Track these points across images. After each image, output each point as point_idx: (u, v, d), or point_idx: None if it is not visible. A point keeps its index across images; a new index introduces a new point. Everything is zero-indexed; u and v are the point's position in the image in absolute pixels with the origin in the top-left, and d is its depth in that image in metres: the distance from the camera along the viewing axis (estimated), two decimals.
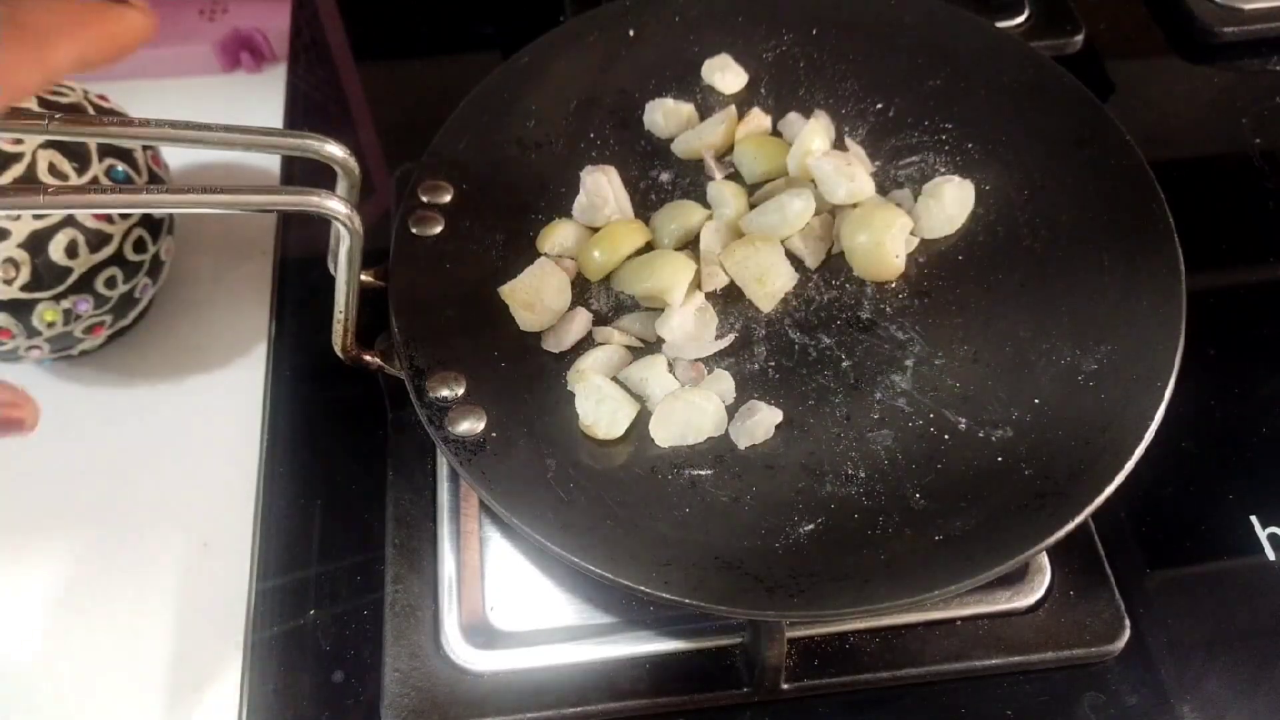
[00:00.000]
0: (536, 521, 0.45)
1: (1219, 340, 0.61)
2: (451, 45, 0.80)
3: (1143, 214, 0.54)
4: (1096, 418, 0.48)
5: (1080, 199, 0.56)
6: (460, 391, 0.49)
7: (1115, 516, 0.54)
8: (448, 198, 0.56)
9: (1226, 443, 0.57)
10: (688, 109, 0.62)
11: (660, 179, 0.61)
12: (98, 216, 0.54)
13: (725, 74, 0.63)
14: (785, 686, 0.49)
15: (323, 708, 0.50)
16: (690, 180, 0.60)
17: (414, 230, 0.55)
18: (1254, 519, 0.54)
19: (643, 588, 0.43)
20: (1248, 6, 0.77)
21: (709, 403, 0.50)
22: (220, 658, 0.52)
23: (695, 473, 0.49)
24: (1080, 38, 0.76)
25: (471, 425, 0.48)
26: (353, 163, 0.48)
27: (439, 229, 0.55)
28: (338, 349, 0.50)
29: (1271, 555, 0.53)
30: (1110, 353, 0.50)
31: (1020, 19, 0.76)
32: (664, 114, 0.61)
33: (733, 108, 0.61)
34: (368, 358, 0.51)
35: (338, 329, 0.49)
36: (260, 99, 0.75)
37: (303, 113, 0.73)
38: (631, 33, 0.64)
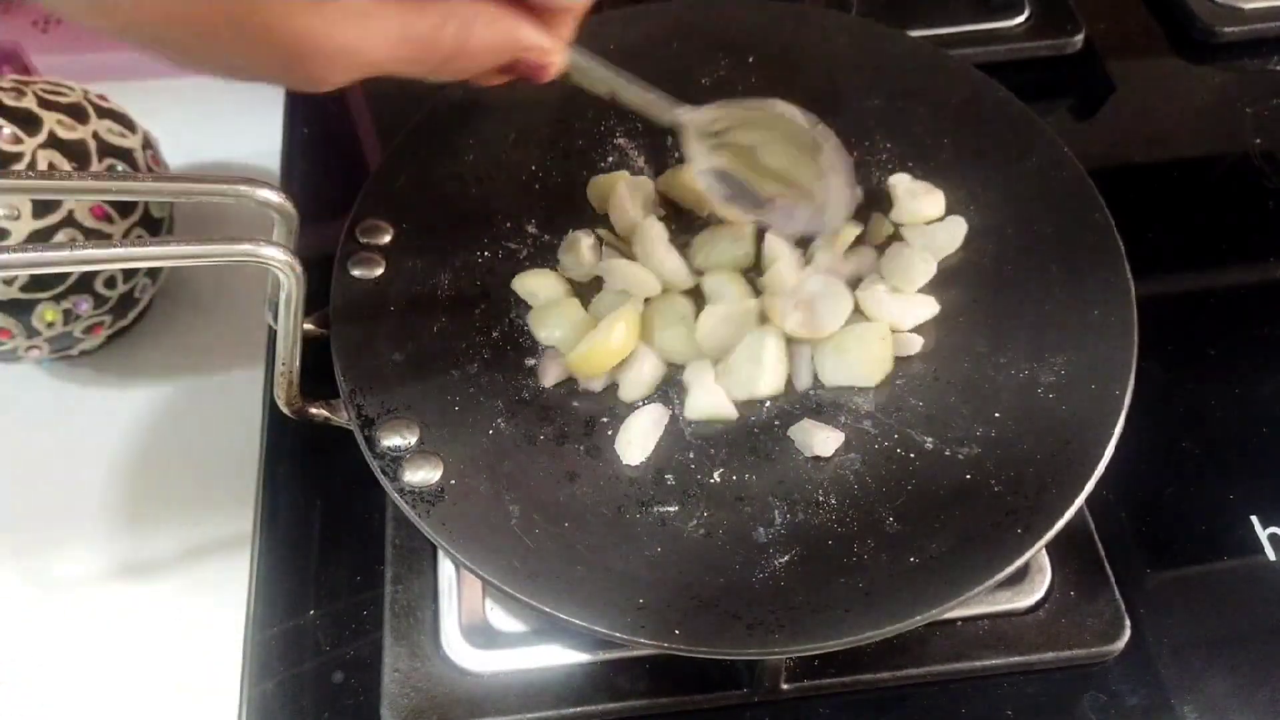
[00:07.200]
0: (503, 572, 0.44)
1: (1219, 340, 0.61)
2: None
3: (1087, 224, 0.54)
4: (1059, 430, 0.48)
5: (1024, 212, 0.56)
6: (413, 439, 0.48)
7: (1115, 517, 0.54)
8: (387, 238, 0.55)
9: (1226, 443, 0.57)
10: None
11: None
12: (98, 216, 0.54)
13: None
14: (785, 687, 0.49)
15: (323, 708, 0.49)
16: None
17: (355, 273, 0.53)
18: (1254, 519, 0.54)
19: (618, 634, 0.42)
20: (1248, 6, 0.77)
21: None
22: (220, 658, 0.51)
23: (664, 509, 0.48)
24: (1080, 37, 0.76)
25: (427, 474, 0.47)
26: (289, 207, 0.45)
27: (380, 270, 0.54)
28: (281, 404, 0.48)
29: (1272, 555, 0.53)
30: (1067, 364, 0.50)
31: (1020, 19, 0.76)
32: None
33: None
34: (313, 410, 0.50)
35: (281, 382, 0.47)
36: (259, 98, 0.75)
37: (302, 112, 0.73)
38: None
